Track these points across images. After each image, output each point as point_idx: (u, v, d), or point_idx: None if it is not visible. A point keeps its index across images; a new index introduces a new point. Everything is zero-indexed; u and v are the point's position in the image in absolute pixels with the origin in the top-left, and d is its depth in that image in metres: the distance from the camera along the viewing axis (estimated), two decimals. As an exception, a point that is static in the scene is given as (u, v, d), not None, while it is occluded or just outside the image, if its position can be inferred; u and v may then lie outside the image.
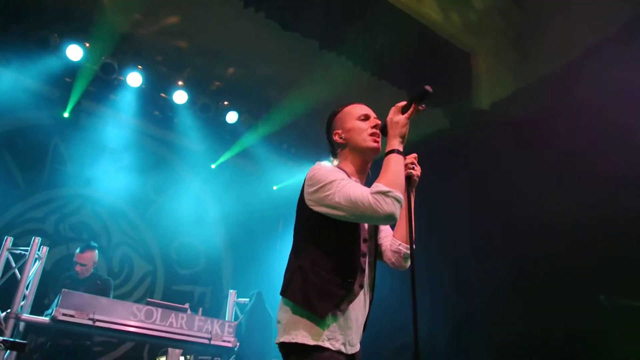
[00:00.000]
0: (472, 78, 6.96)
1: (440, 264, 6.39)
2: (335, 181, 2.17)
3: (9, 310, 4.70)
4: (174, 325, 5.24)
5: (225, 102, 8.11)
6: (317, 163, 2.35)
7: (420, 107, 2.27)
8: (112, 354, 7.37)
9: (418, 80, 6.50)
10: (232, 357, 5.70)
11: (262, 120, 8.14)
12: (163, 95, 7.82)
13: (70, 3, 6.66)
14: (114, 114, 7.83)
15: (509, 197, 5.65)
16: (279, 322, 2.22)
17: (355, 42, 5.97)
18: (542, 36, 6.66)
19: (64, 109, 7.38)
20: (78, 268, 5.77)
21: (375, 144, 2.40)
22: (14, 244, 5.23)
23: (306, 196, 2.27)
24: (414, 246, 2.35)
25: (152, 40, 7.30)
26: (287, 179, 9.27)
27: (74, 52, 6.82)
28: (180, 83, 7.72)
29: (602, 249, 4.64)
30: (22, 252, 5.15)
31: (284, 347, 2.16)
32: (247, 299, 6.41)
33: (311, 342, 2.09)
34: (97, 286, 5.71)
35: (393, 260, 2.48)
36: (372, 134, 2.41)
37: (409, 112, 2.27)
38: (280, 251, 8.79)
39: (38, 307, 5.27)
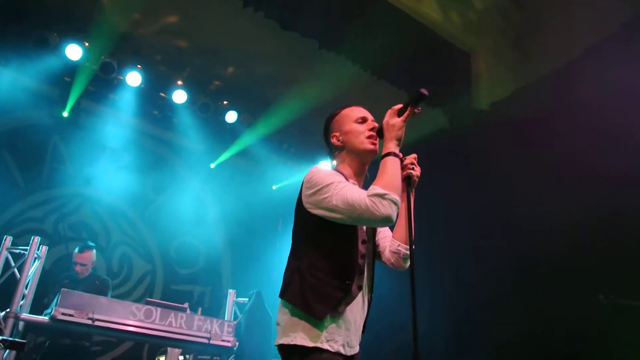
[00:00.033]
0: (472, 78, 6.96)
1: (440, 264, 6.38)
2: (333, 184, 2.19)
3: (8, 310, 4.69)
4: (173, 324, 5.23)
5: (225, 102, 8.11)
6: (315, 166, 2.37)
7: (416, 110, 2.29)
8: (112, 354, 7.37)
9: (417, 80, 6.50)
10: (232, 357, 5.70)
11: (262, 120, 8.13)
12: (162, 94, 7.81)
13: (69, 2, 6.65)
14: (114, 113, 7.83)
15: (509, 197, 5.65)
16: (278, 324, 2.23)
17: (354, 41, 5.96)
18: (542, 36, 6.66)
19: (64, 109, 7.37)
20: (78, 268, 5.78)
21: (372, 146, 2.42)
22: (13, 244, 5.22)
23: (304, 199, 2.29)
24: (414, 247, 2.35)
25: (151, 40, 7.30)
26: (286, 179, 9.27)
27: (74, 51, 6.81)
28: (179, 82, 7.71)
29: (602, 249, 4.64)
30: (22, 252, 5.15)
31: (283, 349, 2.17)
32: (247, 299, 6.40)
33: (310, 344, 2.11)
34: (96, 286, 5.71)
35: (392, 260, 2.49)
36: (369, 137, 2.42)
37: (405, 115, 2.29)
38: (280, 251, 8.80)
39: (37, 306, 5.26)
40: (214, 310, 8.01)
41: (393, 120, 2.29)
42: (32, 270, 5.12)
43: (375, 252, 2.52)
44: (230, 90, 8.07)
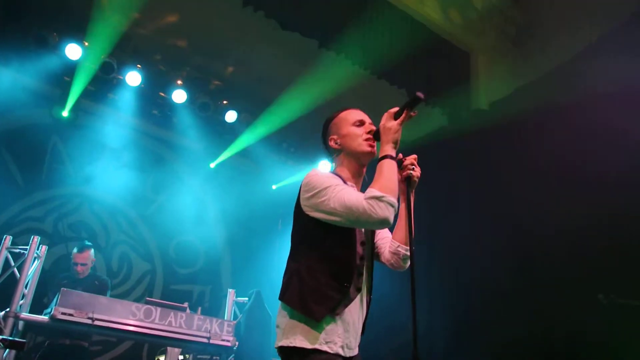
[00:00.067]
0: (471, 77, 6.95)
1: (440, 263, 6.38)
2: (331, 187, 2.21)
3: (7, 309, 4.69)
4: (173, 324, 5.23)
5: (225, 101, 8.11)
6: (313, 169, 2.39)
7: (412, 113, 2.31)
8: (111, 353, 7.38)
9: (417, 79, 6.51)
10: (231, 356, 5.70)
11: (261, 120, 8.12)
12: (162, 94, 7.81)
13: (69, 2, 6.65)
14: (113, 113, 7.83)
15: (509, 197, 5.65)
16: (277, 326, 2.25)
17: (354, 41, 5.96)
18: (541, 35, 6.66)
19: (63, 108, 7.37)
20: (79, 268, 5.79)
21: (370, 148, 2.43)
22: (13, 243, 5.22)
23: (302, 202, 2.30)
24: (414, 247, 2.36)
25: (151, 39, 7.30)
26: (286, 178, 9.27)
27: (73, 51, 6.81)
28: (179, 82, 7.71)
29: (602, 249, 4.64)
30: (21, 251, 5.14)
31: (283, 351, 2.19)
32: (246, 298, 6.40)
33: (309, 346, 2.12)
34: (95, 286, 5.72)
35: (392, 261, 2.50)
36: (366, 139, 2.44)
37: (401, 118, 2.30)
38: (279, 250, 8.79)
39: (37, 306, 5.27)
40: (214, 309, 8.02)
41: (389, 124, 2.30)
42: (32, 270, 5.12)
43: (373, 254, 2.53)
44: (230, 89, 8.07)
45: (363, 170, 2.51)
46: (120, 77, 7.35)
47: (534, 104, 5.64)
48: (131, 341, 7.16)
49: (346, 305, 2.23)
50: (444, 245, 6.36)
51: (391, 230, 2.54)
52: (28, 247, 5.11)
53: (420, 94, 2.24)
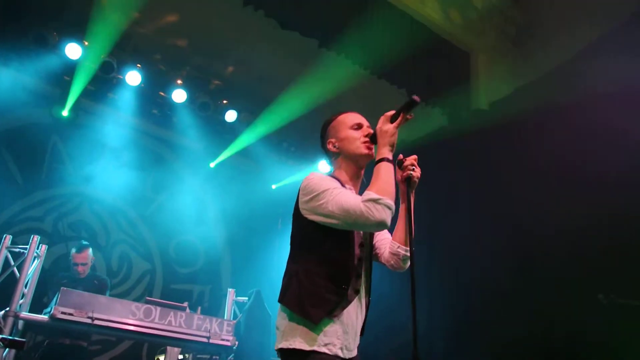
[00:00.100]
0: (471, 77, 6.95)
1: (440, 263, 6.39)
2: (328, 190, 2.23)
3: (7, 309, 4.69)
4: (173, 323, 5.23)
5: (224, 101, 8.11)
6: (311, 172, 2.40)
7: (408, 116, 2.32)
8: (111, 353, 7.38)
9: (417, 79, 6.51)
10: (231, 356, 5.70)
11: (261, 119, 8.12)
12: (162, 93, 7.82)
13: (69, 1, 6.65)
14: (113, 112, 7.83)
15: (509, 197, 5.65)
16: (277, 328, 2.27)
17: (354, 40, 5.96)
18: (541, 35, 6.66)
19: (63, 108, 7.36)
20: (80, 268, 5.79)
21: (367, 151, 2.44)
22: (13, 242, 5.22)
23: (301, 205, 2.32)
24: (414, 248, 2.37)
25: (151, 39, 7.30)
26: (286, 178, 9.27)
27: (73, 50, 6.81)
28: (179, 82, 7.71)
29: (602, 248, 4.64)
30: (21, 251, 5.14)
31: (283, 352, 2.21)
32: (246, 298, 6.40)
33: (307, 348, 2.14)
34: (95, 286, 5.72)
35: (392, 262, 2.51)
36: (364, 142, 2.45)
37: (398, 121, 2.31)
38: (279, 250, 8.79)
39: (37, 305, 5.27)
40: (214, 309, 8.02)
41: (386, 127, 2.32)
42: (32, 269, 5.12)
43: (372, 255, 2.55)
44: (229, 89, 8.07)
45: (361, 173, 2.52)
46: (120, 76, 7.35)
47: (534, 104, 5.64)
48: (131, 341, 7.16)
49: (344, 308, 2.24)
50: (444, 245, 6.36)
51: (391, 231, 2.54)
52: (28, 247, 5.11)
53: (415, 97, 2.27)
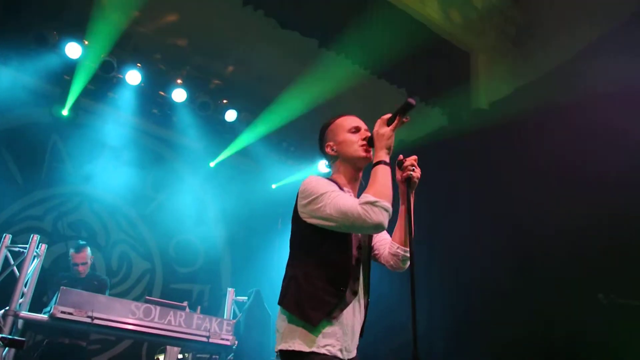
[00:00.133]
0: (471, 77, 6.95)
1: (440, 263, 6.38)
2: (326, 193, 2.25)
3: (7, 308, 4.69)
4: (173, 323, 5.23)
5: (224, 101, 8.11)
6: (310, 176, 2.42)
7: (404, 119, 2.35)
8: (111, 352, 7.38)
9: (417, 79, 6.51)
10: (230, 355, 5.70)
11: (261, 119, 8.12)
12: (162, 93, 7.82)
13: (69, 0, 6.65)
14: (113, 112, 7.83)
15: (509, 197, 5.64)
16: (277, 330, 2.29)
17: (354, 40, 5.96)
18: (541, 35, 6.66)
19: (63, 107, 7.37)
20: (81, 268, 5.81)
21: (365, 154, 2.46)
22: (13, 242, 5.23)
23: (299, 209, 2.35)
24: (413, 248, 2.39)
25: (151, 38, 7.30)
26: (286, 178, 9.27)
27: (73, 49, 6.81)
28: (179, 81, 7.71)
29: (602, 248, 4.64)
30: (21, 250, 5.15)
31: (282, 354, 2.23)
32: (246, 297, 6.40)
33: (307, 349, 2.17)
34: (94, 286, 5.71)
35: (391, 262, 2.53)
36: (362, 145, 2.47)
37: (394, 124, 2.34)
38: (279, 249, 8.78)
39: (36, 304, 5.27)
40: (213, 308, 8.02)
41: (382, 130, 2.34)
42: (32, 269, 5.13)
43: (370, 257, 2.57)
44: (229, 89, 8.08)
45: (359, 175, 2.55)
46: (120, 76, 7.36)
47: (534, 104, 5.63)
48: (130, 340, 7.17)
49: (342, 309, 2.26)
50: (444, 245, 6.36)
51: (390, 231, 2.56)
52: (27, 246, 5.11)
53: (411, 100, 2.29)
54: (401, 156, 2.49)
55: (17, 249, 5.16)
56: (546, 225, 5.20)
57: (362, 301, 2.39)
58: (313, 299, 2.22)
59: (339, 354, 2.22)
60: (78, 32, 6.79)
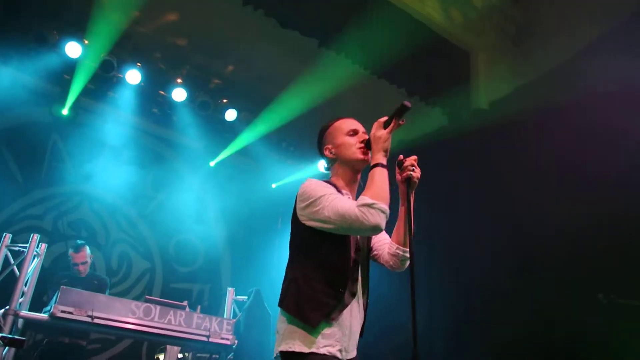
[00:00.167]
0: (471, 77, 6.95)
1: (440, 263, 6.38)
2: (324, 196, 2.28)
3: (7, 307, 4.69)
4: (173, 322, 5.23)
5: (224, 100, 8.11)
6: (308, 179, 2.44)
7: (400, 122, 2.37)
8: (111, 351, 7.38)
9: (417, 79, 6.51)
10: (230, 355, 5.70)
11: (261, 118, 8.13)
12: (162, 92, 7.82)
13: (69, 0, 6.65)
14: (113, 111, 7.83)
15: (509, 197, 5.64)
16: (277, 332, 2.32)
17: (354, 40, 5.96)
18: (541, 34, 6.66)
19: (63, 106, 7.37)
20: (81, 267, 5.81)
21: (363, 156, 2.49)
22: (13, 241, 5.23)
23: (298, 211, 2.38)
24: (413, 248, 2.40)
25: (151, 38, 7.30)
26: (286, 177, 9.27)
27: (73, 49, 6.81)
28: (179, 81, 7.71)
29: (602, 248, 4.64)
30: (21, 249, 5.15)
31: (283, 355, 2.25)
32: (246, 297, 6.40)
33: (307, 350, 2.19)
34: (95, 285, 5.72)
35: (391, 263, 2.55)
36: (360, 148, 2.50)
37: (390, 127, 2.36)
38: (279, 249, 8.79)
39: (36, 304, 5.28)
40: (213, 308, 8.03)
41: (379, 133, 2.36)
42: (32, 268, 5.13)
43: (369, 258, 2.60)
44: (229, 88, 8.07)
45: (358, 177, 2.57)
46: (120, 75, 7.36)
47: (534, 104, 5.63)
48: (130, 339, 7.18)
49: (341, 311, 2.29)
50: (444, 245, 6.35)
51: (390, 232, 2.58)
52: (28, 245, 5.12)
53: (407, 103, 2.31)
54: (401, 156, 2.50)
55: (17, 249, 5.17)
56: (546, 225, 5.20)
57: (361, 302, 2.42)
58: (312, 300, 2.25)
59: (339, 355, 2.25)
60: (78, 31, 6.79)
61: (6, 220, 6.99)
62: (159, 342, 5.64)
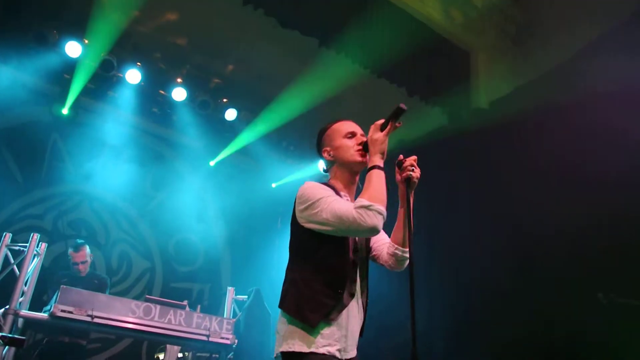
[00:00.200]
0: (471, 76, 6.95)
1: (440, 263, 6.38)
2: (323, 199, 2.31)
3: (7, 307, 4.70)
4: (173, 322, 5.23)
5: (224, 99, 8.11)
6: (306, 182, 2.47)
7: (397, 124, 2.39)
8: (111, 351, 7.38)
9: (417, 78, 6.51)
10: (230, 354, 5.70)
11: (261, 118, 8.13)
12: (162, 92, 7.82)
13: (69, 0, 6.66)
14: (113, 110, 7.83)
15: (509, 196, 5.64)
16: (277, 332, 2.35)
17: (354, 39, 5.96)
18: (541, 34, 6.66)
19: (63, 106, 7.37)
20: (81, 267, 5.82)
21: (361, 158, 2.51)
22: (13, 240, 5.24)
23: (297, 214, 2.40)
24: (413, 247, 2.41)
25: (151, 37, 7.30)
26: (286, 176, 9.27)
27: (73, 48, 6.81)
28: (179, 80, 7.71)
29: (602, 248, 4.63)
30: (21, 249, 5.15)
31: (283, 356, 2.28)
32: (246, 296, 6.40)
33: (306, 350, 2.23)
34: (95, 285, 5.72)
35: (390, 263, 2.57)
36: (357, 150, 2.52)
37: (387, 129, 2.38)
38: (279, 248, 8.79)
39: (37, 303, 5.28)
40: (213, 307, 8.03)
41: (376, 135, 2.38)
42: (32, 267, 5.13)
43: (368, 258, 2.62)
44: (229, 87, 8.07)
45: (356, 179, 2.60)
46: (120, 74, 7.36)
47: (534, 103, 5.63)
48: (130, 339, 7.18)
49: (340, 311, 2.32)
50: (444, 245, 6.35)
51: (389, 232, 2.59)
52: (28, 245, 5.12)
53: (402, 106, 2.33)
54: (401, 156, 2.51)
55: (17, 248, 5.17)
56: (546, 225, 5.19)
57: (360, 302, 2.44)
58: (311, 301, 2.28)
59: (338, 354, 2.27)
60: (78, 31, 6.78)
61: (6, 219, 6.99)
62: (159, 341, 5.64)
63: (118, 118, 7.89)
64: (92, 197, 7.89)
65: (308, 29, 5.81)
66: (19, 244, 5.19)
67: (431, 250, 6.37)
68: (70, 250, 5.92)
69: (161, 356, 5.75)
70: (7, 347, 4.34)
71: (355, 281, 2.41)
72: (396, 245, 2.53)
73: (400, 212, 2.53)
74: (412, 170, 2.46)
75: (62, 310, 4.67)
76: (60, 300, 4.69)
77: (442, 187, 6.21)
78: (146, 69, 7.48)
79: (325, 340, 2.25)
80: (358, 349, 2.42)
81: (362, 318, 2.46)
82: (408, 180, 2.46)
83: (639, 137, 4.56)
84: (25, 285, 5.03)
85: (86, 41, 6.88)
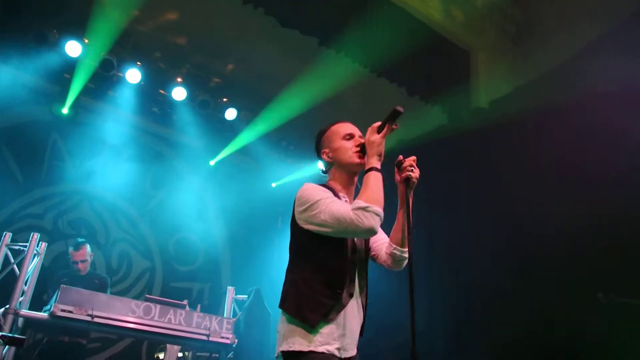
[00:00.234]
0: (471, 76, 6.95)
1: (440, 263, 6.37)
2: (321, 200, 2.34)
3: (7, 306, 4.70)
4: (173, 321, 5.23)
5: (224, 99, 8.11)
6: (305, 183, 2.50)
7: (393, 126, 2.42)
8: (111, 350, 7.38)
9: (417, 78, 6.51)
10: (230, 354, 5.70)
11: (261, 117, 8.13)
12: (162, 91, 7.82)
13: (69, -1, 6.66)
14: (113, 110, 7.83)
15: (509, 196, 5.64)
16: (278, 332, 2.38)
17: (354, 39, 5.96)
18: (541, 34, 6.66)
19: (63, 105, 7.37)
20: (81, 266, 5.80)
21: (359, 160, 2.53)
22: (13, 240, 5.24)
23: (296, 215, 2.43)
24: (412, 247, 2.42)
25: (151, 37, 7.30)
26: (286, 176, 9.27)
27: (73, 48, 6.81)
28: (179, 79, 7.71)
29: (602, 248, 4.63)
30: (21, 248, 5.15)
31: (284, 355, 2.31)
32: (246, 296, 6.40)
33: (306, 349, 2.25)
34: (95, 284, 5.71)
35: (389, 262, 2.59)
36: (356, 152, 2.54)
37: (384, 131, 2.41)
38: (279, 248, 8.80)
39: (37, 303, 5.28)
40: (213, 307, 8.03)
41: (373, 137, 2.41)
42: (32, 267, 5.14)
43: (367, 259, 2.63)
44: (229, 87, 8.07)
45: (354, 180, 2.62)
46: (120, 74, 7.36)
47: (534, 103, 5.63)
48: (130, 338, 7.17)
49: (339, 311, 2.34)
50: (444, 245, 6.35)
51: (389, 232, 2.61)
52: (28, 244, 5.12)
53: (399, 108, 2.35)
54: (400, 157, 2.52)
55: (17, 247, 5.17)
56: (546, 225, 5.19)
57: (359, 302, 2.46)
58: (311, 301, 2.30)
59: (337, 353, 2.29)
60: (78, 30, 6.78)
61: (6, 219, 6.99)
62: (159, 341, 5.64)
63: (118, 117, 7.89)
64: (92, 197, 7.89)
65: (308, 29, 5.81)
66: (19, 244, 5.19)
67: (431, 250, 6.37)
68: (70, 249, 5.92)
69: (161, 356, 5.75)
70: (7, 346, 4.34)
71: (354, 281, 2.44)
72: (394, 245, 2.54)
73: (400, 212, 2.54)
74: (412, 171, 2.47)
75: (62, 310, 4.67)
76: (60, 300, 4.69)
77: (442, 187, 6.21)
78: (146, 69, 7.48)
79: (324, 339, 2.27)
80: (358, 348, 2.44)
81: (362, 317, 2.48)
82: (407, 180, 2.47)
83: (639, 137, 4.56)
84: (25, 284, 5.04)
85: (86, 41, 6.88)
